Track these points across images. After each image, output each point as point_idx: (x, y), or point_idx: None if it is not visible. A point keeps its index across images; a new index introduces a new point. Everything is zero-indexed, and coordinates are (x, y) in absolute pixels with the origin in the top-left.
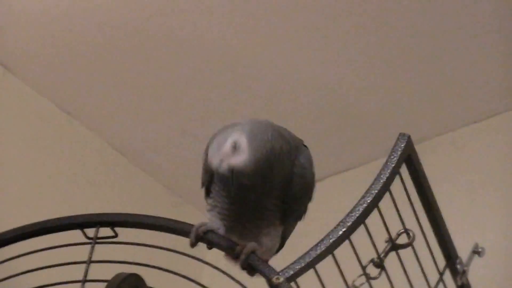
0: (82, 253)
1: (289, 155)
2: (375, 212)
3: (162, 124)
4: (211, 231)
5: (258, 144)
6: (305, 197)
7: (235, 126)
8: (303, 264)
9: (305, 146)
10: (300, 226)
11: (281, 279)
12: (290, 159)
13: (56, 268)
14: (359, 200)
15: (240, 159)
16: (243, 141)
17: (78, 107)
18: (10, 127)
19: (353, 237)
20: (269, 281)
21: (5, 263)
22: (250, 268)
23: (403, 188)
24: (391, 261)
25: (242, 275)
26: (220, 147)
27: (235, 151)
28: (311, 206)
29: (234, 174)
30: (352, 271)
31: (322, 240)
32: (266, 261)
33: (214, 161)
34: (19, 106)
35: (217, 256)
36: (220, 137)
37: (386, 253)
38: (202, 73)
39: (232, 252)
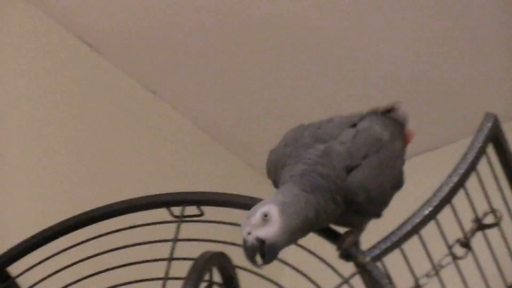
0: (167, 231)
1: (333, 192)
2: (461, 192)
3: (247, 102)
4: None
5: (290, 214)
6: (374, 203)
7: (267, 199)
8: (389, 244)
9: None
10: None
11: (368, 259)
12: (338, 188)
13: (143, 246)
14: (445, 180)
15: (271, 230)
16: (274, 212)
17: (163, 86)
18: (97, 107)
19: (439, 216)
20: (355, 260)
21: (93, 241)
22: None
23: (489, 168)
24: (477, 241)
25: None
26: (250, 217)
27: (265, 223)
28: None
29: (266, 246)
30: (438, 251)
31: (408, 219)
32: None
33: (243, 232)
34: (105, 85)
35: None
36: (252, 209)
37: (473, 233)
38: (288, 51)
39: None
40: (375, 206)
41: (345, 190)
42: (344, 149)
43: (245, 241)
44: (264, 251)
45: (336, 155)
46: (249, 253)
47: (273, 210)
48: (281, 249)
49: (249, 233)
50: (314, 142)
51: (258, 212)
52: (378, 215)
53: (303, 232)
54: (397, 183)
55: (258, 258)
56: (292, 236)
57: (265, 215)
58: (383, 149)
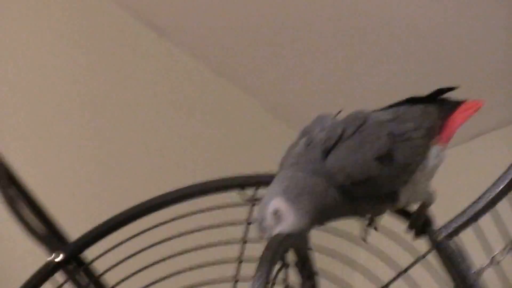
0: (239, 214)
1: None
2: None
3: (310, 80)
4: None
5: (299, 200)
6: (359, 182)
7: (271, 189)
8: (463, 220)
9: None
10: (458, 182)
11: (442, 236)
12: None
13: (214, 230)
14: None
15: (286, 225)
16: (282, 207)
17: (230, 68)
18: (164, 90)
19: None
20: (430, 238)
21: (166, 224)
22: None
23: None
24: None
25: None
26: (262, 223)
27: (278, 221)
28: (470, 161)
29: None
30: None
31: (482, 195)
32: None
33: (260, 236)
34: (172, 69)
35: None
36: (260, 207)
37: None
38: (352, 31)
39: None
40: (366, 186)
41: (326, 175)
42: (324, 134)
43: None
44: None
45: (317, 143)
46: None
47: (281, 204)
48: (305, 232)
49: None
50: (300, 138)
51: (267, 214)
52: (389, 197)
53: (324, 211)
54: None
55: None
56: (313, 216)
57: (275, 213)
58: (366, 124)
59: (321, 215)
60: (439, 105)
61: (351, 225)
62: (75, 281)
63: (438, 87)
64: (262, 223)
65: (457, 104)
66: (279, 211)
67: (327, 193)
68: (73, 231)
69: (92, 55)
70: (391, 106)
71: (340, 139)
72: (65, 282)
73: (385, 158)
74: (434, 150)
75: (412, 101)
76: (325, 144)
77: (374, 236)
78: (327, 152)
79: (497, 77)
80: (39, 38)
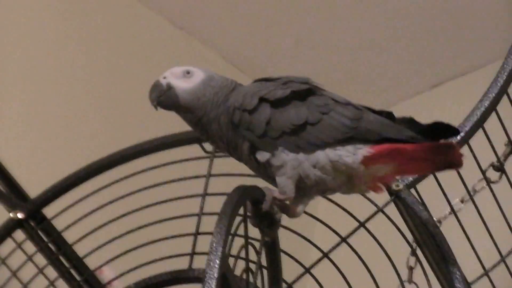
0: (200, 168)
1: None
2: (493, 116)
3: (277, 35)
4: None
5: (209, 86)
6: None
7: None
8: None
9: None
10: None
11: (401, 186)
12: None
13: (176, 183)
14: (477, 104)
15: (185, 85)
16: (198, 75)
17: (194, 23)
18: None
19: (472, 141)
20: (388, 188)
21: (128, 179)
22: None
23: None
24: (511, 164)
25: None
26: (174, 69)
27: (185, 78)
28: (427, 114)
29: (171, 91)
30: (472, 176)
31: None
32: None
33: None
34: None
35: None
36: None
37: (506, 157)
38: None
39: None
40: (245, 119)
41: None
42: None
43: (155, 82)
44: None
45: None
46: (151, 89)
47: (198, 73)
48: (179, 105)
49: (164, 77)
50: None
51: (184, 67)
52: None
53: (204, 108)
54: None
55: (155, 98)
56: (197, 105)
57: (188, 72)
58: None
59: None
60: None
61: None
62: (34, 239)
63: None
64: (173, 69)
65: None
66: (191, 75)
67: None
68: (34, 190)
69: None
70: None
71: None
72: (24, 240)
73: (278, 104)
74: (350, 148)
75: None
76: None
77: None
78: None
79: (457, 27)
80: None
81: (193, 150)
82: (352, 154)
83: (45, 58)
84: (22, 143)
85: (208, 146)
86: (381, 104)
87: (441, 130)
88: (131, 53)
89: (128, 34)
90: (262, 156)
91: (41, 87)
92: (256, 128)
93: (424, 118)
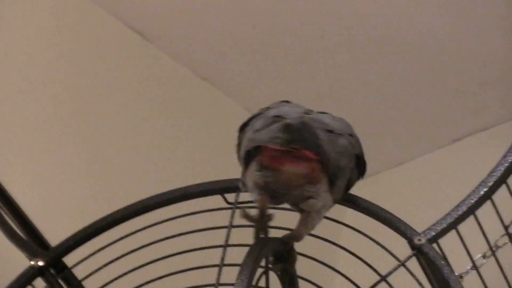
0: (222, 219)
1: None
2: None
3: (294, 87)
4: None
5: None
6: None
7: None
8: (444, 225)
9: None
10: (441, 186)
11: (423, 240)
12: None
13: (197, 234)
14: (501, 159)
15: None
16: None
17: (214, 72)
18: (148, 94)
19: (495, 196)
20: (410, 242)
21: (149, 229)
22: None
23: None
24: None
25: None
26: None
27: None
28: (450, 166)
29: None
30: (494, 231)
31: (463, 200)
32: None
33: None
34: (156, 73)
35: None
36: None
37: None
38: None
39: None
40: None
41: None
42: None
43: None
44: None
45: None
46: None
47: None
48: None
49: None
50: None
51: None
52: None
53: None
54: None
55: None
56: None
57: None
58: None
59: None
60: None
61: (331, 230)
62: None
63: None
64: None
65: None
66: None
67: None
68: (55, 237)
69: (77, 59)
70: None
71: None
72: None
73: None
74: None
75: None
76: None
77: (355, 241)
78: None
79: (481, 82)
80: (24, 42)
81: (216, 200)
82: None
83: (71, 111)
84: (43, 191)
85: (230, 197)
86: (402, 158)
87: None
88: (158, 104)
89: (159, 89)
90: None
91: (64, 133)
92: None
93: (446, 172)
